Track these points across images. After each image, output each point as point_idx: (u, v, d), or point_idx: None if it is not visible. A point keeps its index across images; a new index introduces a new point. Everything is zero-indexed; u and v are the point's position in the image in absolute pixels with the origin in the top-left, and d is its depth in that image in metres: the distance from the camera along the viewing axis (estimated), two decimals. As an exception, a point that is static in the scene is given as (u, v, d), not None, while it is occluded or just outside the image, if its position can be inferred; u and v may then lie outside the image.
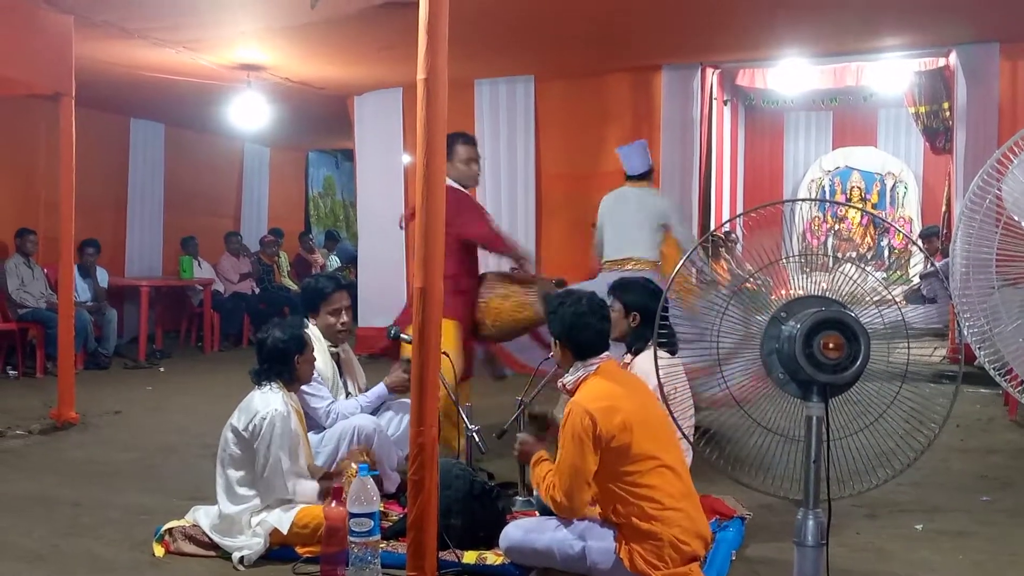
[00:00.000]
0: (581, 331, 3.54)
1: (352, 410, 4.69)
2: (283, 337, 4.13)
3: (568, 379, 3.60)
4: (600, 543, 3.42)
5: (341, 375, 4.90)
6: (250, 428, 3.96)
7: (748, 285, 2.76)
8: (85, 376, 8.68)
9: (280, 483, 3.95)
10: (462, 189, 5.50)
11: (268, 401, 4.01)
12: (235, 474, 4.01)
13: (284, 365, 4.12)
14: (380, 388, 4.82)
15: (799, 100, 12.76)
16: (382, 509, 3.95)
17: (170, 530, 4.08)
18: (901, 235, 13.51)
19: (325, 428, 4.62)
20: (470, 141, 5.63)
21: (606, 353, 3.59)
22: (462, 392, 5.49)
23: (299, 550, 3.89)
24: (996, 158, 3.36)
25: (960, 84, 8.65)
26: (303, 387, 4.43)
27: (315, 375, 4.55)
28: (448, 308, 5.08)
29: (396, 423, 4.76)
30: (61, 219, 6.80)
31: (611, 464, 3.35)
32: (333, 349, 4.86)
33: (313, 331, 4.67)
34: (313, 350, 4.30)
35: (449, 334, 5.06)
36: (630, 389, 3.50)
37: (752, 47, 9.08)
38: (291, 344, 4.12)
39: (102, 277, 10.32)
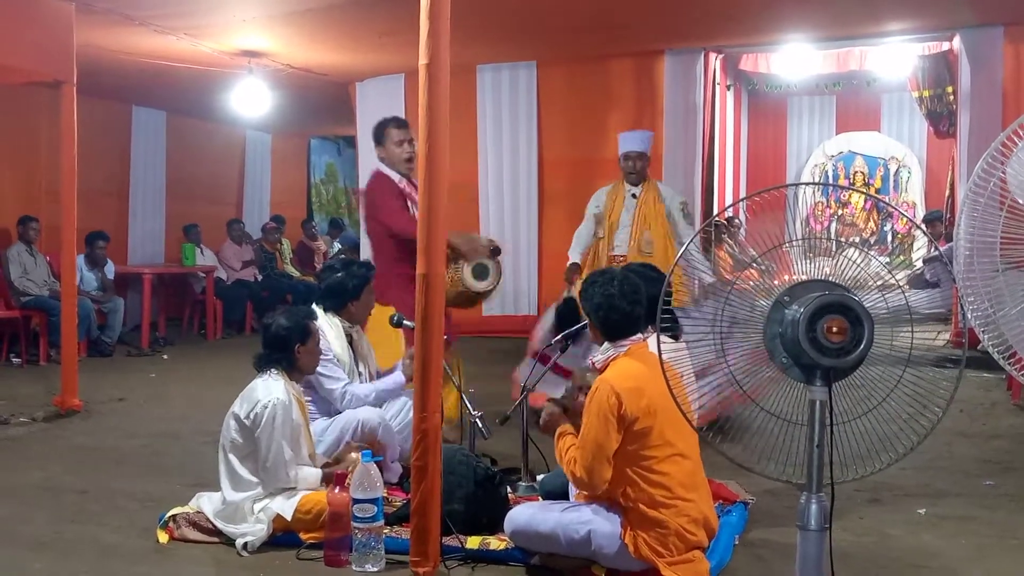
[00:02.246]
0: (609, 312, 3.49)
1: (367, 393, 4.68)
2: (286, 324, 4.13)
3: (598, 358, 3.58)
4: (606, 527, 3.42)
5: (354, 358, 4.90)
6: (251, 416, 3.96)
7: (752, 271, 2.75)
8: (88, 364, 8.69)
9: (283, 472, 3.96)
10: (391, 176, 5.55)
11: (270, 390, 4.01)
12: (238, 461, 4.01)
13: (284, 352, 4.12)
14: (398, 377, 4.76)
15: (802, 85, 12.72)
16: (385, 495, 3.95)
17: (174, 517, 4.09)
18: (905, 219, 13.49)
19: (338, 411, 4.64)
20: (402, 124, 5.67)
21: (638, 335, 3.55)
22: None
23: (302, 536, 3.90)
24: (1000, 141, 3.35)
25: (964, 68, 8.62)
26: (318, 368, 4.45)
27: (332, 358, 4.58)
28: (380, 294, 5.10)
29: (406, 412, 4.72)
30: (63, 207, 6.79)
31: (630, 446, 3.35)
32: (348, 330, 4.85)
33: (326, 319, 4.70)
34: (318, 342, 4.28)
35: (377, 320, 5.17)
36: (658, 373, 3.48)
37: (755, 32, 9.05)
38: (292, 332, 4.12)
39: (109, 269, 10.31)
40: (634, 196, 6.53)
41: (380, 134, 5.63)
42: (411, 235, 5.20)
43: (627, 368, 3.44)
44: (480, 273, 5.29)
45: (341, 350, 4.71)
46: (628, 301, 3.49)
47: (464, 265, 5.25)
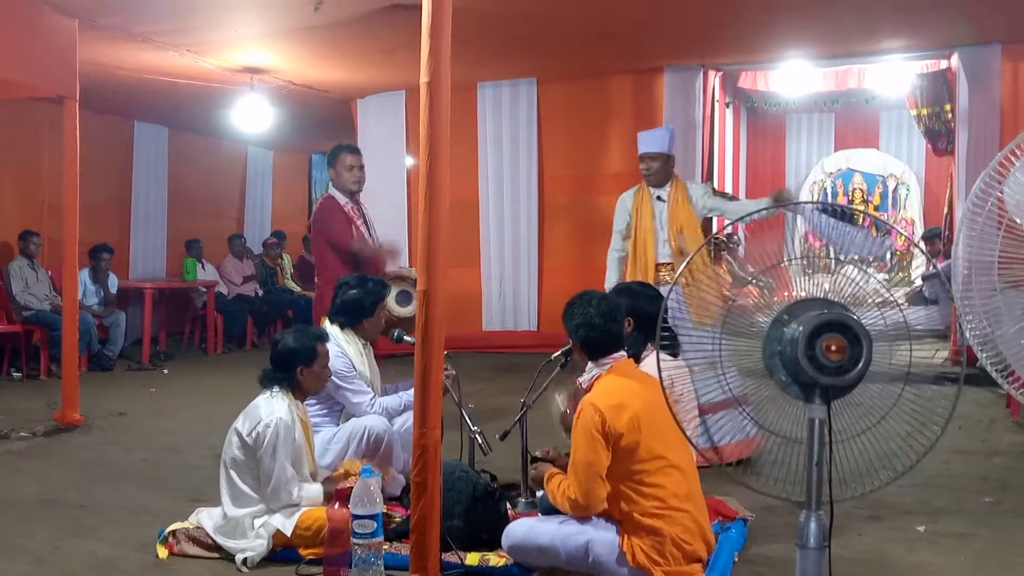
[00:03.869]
0: (589, 332, 3.57)
1: (396, 405, 4.72)
2: (291, 346, 4.12)
3: (584, 378, 3.65)
4: (603, 536, 3.44)
5: None
6: (253, 435, 3.96)
7: (751, 287, 2.76)
8: (89, 378, 8.69)
9: (285, 492, 3.96)
10: (338, 198, 5.97)
11: (272, 409, 4.01)
12: (239, 477, 4.01)
13: (285, 373, 4.12)
14: None
15: (801, 102, 12.76)
16: (385, 511, 3.95)
17: (174, 532, 4.09)
18: (903, 237, 13.51)
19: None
20: (355, 151, 6.11)
21: (620, 352, 3.62)
22: None
23: (302, 552, 3.90)
24: (998, 161, 3.37)
25: (962, 86, 8.66)
26: (341, 383, 4.50)
27: (355, 374, 4.61)
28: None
29: (411, 424, 4.70)
30: (65, 222, 6.82)
31: (620, 463, 3.38)
32: (363, 347, 4.87)
33: (344, 336, 4.73)
34: (326, 364, 4.25)
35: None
36: (643, 387, 3.51)
37: (754, 49, 9.09)
38: (296, 355, 4.11)
39: (112, 283, 10.33)
40: (660, 199, 6.13)
41: (333, 158, 6.03)
42: (349, 248, 5.79)
43: (609, 386, 3.51)
44: (403, 300, 5.53)
45: (363, 367, 4.73)
46: (605, 320, 3.58)
47: (390, 290, 5.42)
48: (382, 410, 4.65)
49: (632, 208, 6.25)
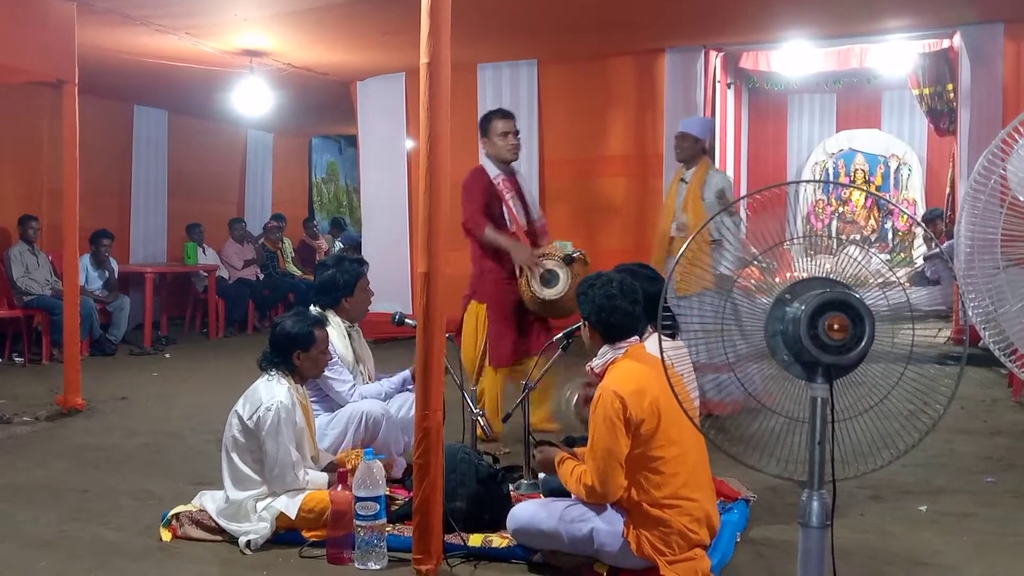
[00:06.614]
0: (611, 313, 3.49)
1: (377, 392, 4.70)
2: (288, 331, 4.12)
3: (596, 363, 3.57)
4: (608, 526, 3.43)
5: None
6: (254, 419, 3.96)
7: (752, 268, 2.75)
8: (91, 363, 8.71)
9: (290, 475, 3.97)
10: (488, 170, 5.61)
11: (273, 392, 4.01)
12: (240, 460, 4.02)
13: (281, 357, 4.12)
14: (405, 374, 4.79)
15: (803, 83, 12.69)
16: (388, 493, 3.96)
17: (177, 515, 4.11)
18: (905, 217, 13.48)
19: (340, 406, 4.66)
20: (508, 115, 5.72)
21: (635, 337, 3.57)
22: (518, 373, 5.46)
23: (305, 534, 3.91)
24: (1000, 139, 3.36)
25: (964, 65, 8.62)
26: (326, 372, 4.45)
27: (336, 359, 4.59)
28: (474, 291, 5.53)
29: (408, 407, 4.71)
30: (65, 206, 6.81)
31: (637, 450, 3.34)
32: (349, 329, 4.86)
33: (332, 318, 4.70)
34: (324, 349, 4.26)
35: (472, 315, 5.52)
36: (658, 372, 3.47)
37: (756, 30, 9.04)
38: (293, 340, 4.11)
39: (114, 268, 10.32)
40: (684, 180, 6.50)
41: (485, 125, 5.68)
42: (478, 235, 5.45)
43: (627, 371, 3.44)
44: (550, 280, 5.39)
45: (344, 350, 4.72)
46: (629, 301, 3.51)
47: (531, 274, 5.33)
48: (363, 398, 4.64)
49: (668, 191, 6.72)
